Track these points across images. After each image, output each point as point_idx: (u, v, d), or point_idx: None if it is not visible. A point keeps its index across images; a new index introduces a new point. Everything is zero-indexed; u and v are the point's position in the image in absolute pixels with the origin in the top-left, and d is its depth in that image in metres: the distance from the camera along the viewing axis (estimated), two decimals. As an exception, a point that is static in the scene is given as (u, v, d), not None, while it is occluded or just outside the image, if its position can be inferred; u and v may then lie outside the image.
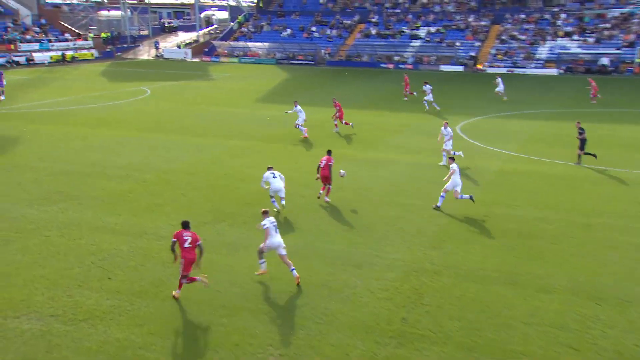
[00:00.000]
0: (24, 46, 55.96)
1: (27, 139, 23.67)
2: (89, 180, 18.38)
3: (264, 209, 12.33)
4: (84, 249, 13.60)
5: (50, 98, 34.51)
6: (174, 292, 11.68)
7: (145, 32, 74.77)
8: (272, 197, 15.94)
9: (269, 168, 16.04)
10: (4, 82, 35.17)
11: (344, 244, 14.12)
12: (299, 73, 51.83)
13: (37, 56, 55.39)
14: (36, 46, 57.34)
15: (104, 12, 77.06)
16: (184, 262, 11.36)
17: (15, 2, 61.65)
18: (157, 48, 67.36)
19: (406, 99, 34.11)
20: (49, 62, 55.89)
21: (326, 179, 16.72)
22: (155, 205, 16.49)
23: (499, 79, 34.68)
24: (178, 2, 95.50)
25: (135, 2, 76.72)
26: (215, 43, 65.84)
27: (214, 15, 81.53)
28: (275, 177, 15.79)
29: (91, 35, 65.10)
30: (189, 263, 11.39)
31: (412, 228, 14.99)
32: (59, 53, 57.62)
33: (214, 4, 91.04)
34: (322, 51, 60.77)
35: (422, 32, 59.02)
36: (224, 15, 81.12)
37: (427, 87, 31.57)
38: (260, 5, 72.50)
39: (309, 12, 67.77)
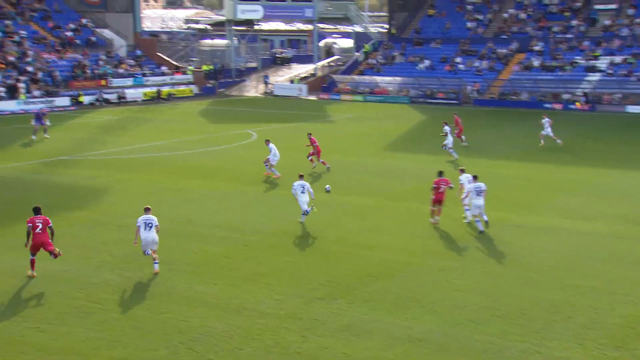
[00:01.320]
0: (116, 81, 61.58)
1: (114, 190, 25.76)
2: (180, 242, 19.45)
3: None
4: (171, 325, 14.21)
5: (141, 142, 37.46)
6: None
7: (254, 64, 79.42)
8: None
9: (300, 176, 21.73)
10: (47, 122, 39.06)
11: (495, 333, 13.65)
12: (437, 114, 51.95)
13: (130, 93, 60.68)
14: (129, 81, 62.96)
15: (207, 41, 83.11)
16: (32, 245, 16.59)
17: (111, 31, 68.81)
18: (266, 83, 71.13)
19: (465, 143, 35.95)
20: (142, 100, 61.15)
21: (440, 203, 21.02)
22: (257, 274, 17.00)
23: (545, 120, 35.39)
24: (293, 28, 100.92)
25: (243, 28, 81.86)
26: (336, 77, 68.20)
27: (335, 43, 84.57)
28: (304, 192, 21.22)
29: (191, 68, 70.27)
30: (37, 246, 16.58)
31: (585, 318, 14.30)
32: (154, 89, 62.81)
33: (335, 30, 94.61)
34: (469, 87, 60.61)
35: (602, 62, 57.02)
36: (348, 43, 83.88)
37: (546, 121, 34.50)
38: (393, 31, 74.05)
39: (452, 40, 68.19)
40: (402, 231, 20.62)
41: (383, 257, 18.17)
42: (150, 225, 17.13)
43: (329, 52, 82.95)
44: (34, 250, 16.69)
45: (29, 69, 56.15)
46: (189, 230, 20.51)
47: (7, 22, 60.94)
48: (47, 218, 16.91)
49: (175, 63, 71.18)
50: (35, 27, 63.96)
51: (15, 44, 58.42)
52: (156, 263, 17.07)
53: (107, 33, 68.25)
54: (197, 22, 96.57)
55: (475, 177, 20.90)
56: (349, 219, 22.00)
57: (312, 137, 30.40)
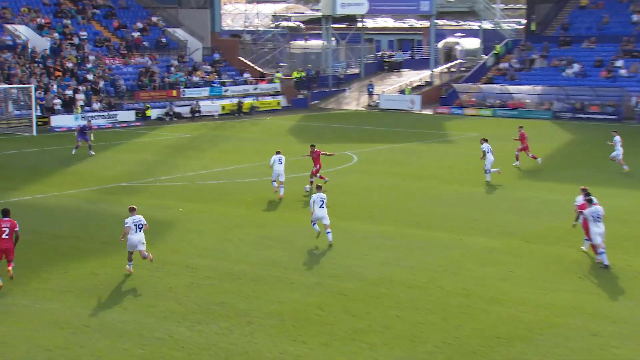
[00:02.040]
0: (189, 91, 63.72)
1: (183, 224, 26.45)
2: (263, 288, 19.70)
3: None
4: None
5: (217, 166, 38.37)
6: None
7: (355, 71, 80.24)
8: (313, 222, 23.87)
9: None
10: (91, 137, 40.83)
11: None
12: (590, 134, 50.56)
13: (205, 106, 62.56)
14: (205, 91, 64.97)
15: (299, 43, 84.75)
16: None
17: (184, 31, 71.46)
18: (370, 94, 71.59)
19: (538, 160, 37.81)
20: (220, 114, 62.91)
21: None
22: (356, 331, 16.97)
23: (617, 138, 36.58)
24: (404, 25, 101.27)
25: (344, 26, 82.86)
26: (458, 87, 67.81)
27: (457, 44, 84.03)
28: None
29: (279, 75, 71.77)
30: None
31: None
32: (234, 101, 64.57)
33: (458, 27, 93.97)
34: (633, 99, 58.75)
35: None
36: (474, 44, 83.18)
37: (617, 139, 36.29)
38: (533, 28, 72.76)
39: (611, 38, 66.51)
40: (540, 282, 20.12)
41: (516, 315, 17.74)
42: (140, 226, 20.68)
43: (449, 55, 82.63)
44: None
45: (89, 76, 58.99)
46: (273, 275, 20.76)
47: (66, 21, 64.38)
48: (15, 222, 19.76)
49: (260, 69, 72.89)
50: (97, 27, 67.28)
51: (74, 47, 61.60)
52: (146, 257, 20.66)
53: (179, 33, 70.82)
54: (287, 19, 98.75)
55: (589, 199, 21.92)
56: (471, 264, 21.71)
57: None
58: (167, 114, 59.59)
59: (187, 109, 61.07)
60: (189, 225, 26.19)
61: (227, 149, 44.35)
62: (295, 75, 73.11)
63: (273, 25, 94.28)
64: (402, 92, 71.35)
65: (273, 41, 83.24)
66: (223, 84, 66.76)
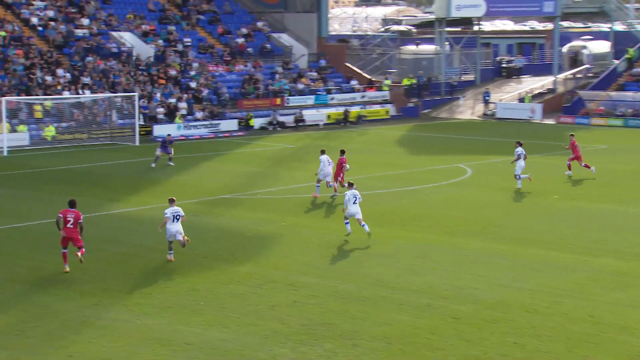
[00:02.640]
0: (294, 100, 64.47)
1: (286, 239, 26.63)
2: (368, 309, 19.60)
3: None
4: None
5: (313, 179, 38.61)
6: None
7: (470, 77, 79.50)
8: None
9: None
10: (172, 150, 41.39)
11: None
12: None
13: (310, 115, 63.09)
14: (310, 100, 65.55)
15: (410, 48, 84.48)
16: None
17: (289, 36, 72.35)
18: (486, 102, 70.66)
19: (592, 170, 37.88)
20: (325, 124, 63.30)
21: None
22: (469, 357, 16.65)
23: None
24: (525, 28, 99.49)
25: (459, 30, 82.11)
26: (584, 94, 66.20)
27: (584, 48, 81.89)
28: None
29: (388, 82, 71.73)
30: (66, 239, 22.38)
31: None
32: (341, 110, 64.91)
33: (586, 30, 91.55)
34: None
35: None
36: (603, 47, 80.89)
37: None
38: (672, 29, 70.35)
39: None
40: None
41: (649, 347, 17.07)
42: (178, 217, 23.62)
43: (574, 59, 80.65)
44: (64, 243, 22.49)
45: (192, 84, 60.44)
46: (380, 295, 20.65)
47: (171, 27, 66.21)
48: (79, 213, 22.58)
49: (368, 76, 73.05)
50: (201, 33, 68.93)
51: (177, 54, 63.28)
52: (185, 244, 23.69)
53: (285, 39, 71.76)
54: (398, 22, 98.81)
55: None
56: (598, 288, 21.07)
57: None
58: (270, 123, 60.36)
59: (291, 118, 61.69)
60: (292, 240, 26.38)
61: (333, 160, 44.44)
62: (405, 82, 72.90)
63: (382, 29, 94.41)
64: (521, 100, 70.09)
65: (382, 46, 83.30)
66: (329, 91, 67.19)
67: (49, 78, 53.92)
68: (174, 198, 24.20)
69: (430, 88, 74.09)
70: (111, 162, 43.60)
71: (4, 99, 47.05)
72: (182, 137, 53.52)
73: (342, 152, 34.64)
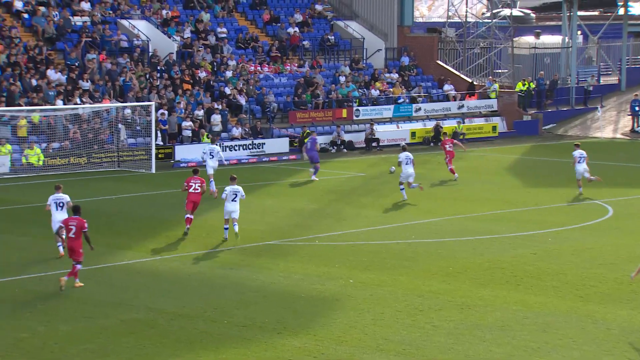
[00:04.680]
0: (366, 111, 64.64)
1: (352, 301, 26.61)
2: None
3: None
4: None
5: (402, 219, 38.62)
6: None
7: (612, 80, 78.75)
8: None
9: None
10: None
11: None
12: None
13: (386, 131, 63.04)
14: (387, 111, 65.59)
15: (527, 39, 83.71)
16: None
17: (360, 24, 72.52)
18: (636, 115, 69.53)
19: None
20: (407, 144, 62.83)
21: None
22: None
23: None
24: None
25: (596, 14, 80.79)
26: None
27: None
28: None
29: (496, 86, 71.58)
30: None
31: None
32: (429, 125, 64.62)
33: None
34: None
35: None
36: None
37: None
38: None
39: None
40: None
41: None
42: (236, 196, 33.42)
43: None
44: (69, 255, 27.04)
45: (227, 90, 61.02)
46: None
47: (202, 14, 67.01)
48: (83, 221, 26.53)
49: (468, 79, 72.86)
50: (241, 21, 69.73)
51: (209, 49, 64.02)
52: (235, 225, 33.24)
53: (354, 28, 72.08)
54: (510, 5, 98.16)
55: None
56: None
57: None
58: (333, 143, 60.49)
59: (362, 135, 61.74)
60: (363, 304, 26.31)
61: (416, 195, 44.42)
62: (520, 87, 72.51)
63: (488, 14, 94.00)
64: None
65: (488, 37, 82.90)
66: (414, 100, 67.20)
67: (36, 82, 54.80)
68: (235, 176, 33.98)
69: (554, 95, 73.60)
70: (118, 195, 44.06)
71: (-23, 110, 47.98)
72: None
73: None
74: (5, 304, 26.06)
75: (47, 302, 26.17)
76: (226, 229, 33.93)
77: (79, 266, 27.04)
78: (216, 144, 47.73)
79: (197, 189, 34.30)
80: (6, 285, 28.06)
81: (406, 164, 41.19)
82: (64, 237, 27.35)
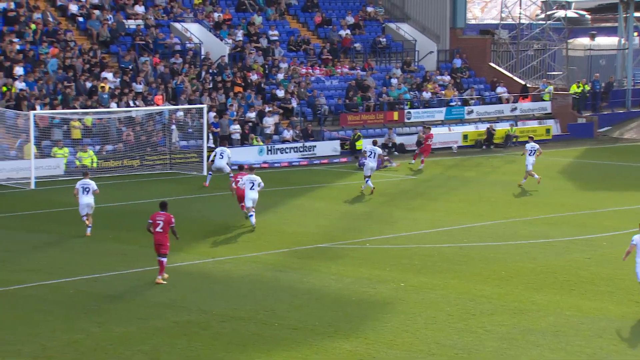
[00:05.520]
0: (417, 113, 64.66)
1: (404, 304, 26.68)
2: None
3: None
4: None
5: (453, 222, 38.60)
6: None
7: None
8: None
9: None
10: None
11: None
12: None
13: (439, 134, 62.68)
14: (439, 113, 65.57)
15: (581, 41, 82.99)
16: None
17: (412, 27, 72.34)
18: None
19: None
20: (459, 146, 63.04)
21: None
22: None
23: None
24: None
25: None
26: None
27: None
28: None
29: (550, 89, 71.19)
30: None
31: None
32: (482, 128, 64.53)
33: None
34: None
35: None
36: None
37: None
38: None
39: None
40: None
41: None
42: (252, 183, 35.83)
43: None
44: (156, 249, 28.36)
45: (279, 93, 61.24)
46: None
47: (254, 17, 67.35)
48: (171, 216, 28.25)
49: (522, 81, 72.55)
50: (292, 23, 69.95)
51: (260, 52, 64.29)
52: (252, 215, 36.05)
53: (406, 30, 72.07)
54: (565, 6, 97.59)
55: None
56: None
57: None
58: (385, 145, 60.45)
59: (414, 138, 61.68)
60: (414, 307, 26.36)
61: (468, 198, 44.34)
62: (574, 89, 72.08)
63: (543, 16, 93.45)
64: None
65: (542, 39, 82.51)
66: (466, 102, 67.07)
67: (90, 85, 55.32)
68: (250, 166, 38.78)
69: (610, 97, 73.03)
70: (170, 197, 44.27)
71: (32, 112, 48.21)
72: (264, 165, 54.22)
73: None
74: (60, 305, 26.35)
75: (101, 304, 26.45)
76: (251, 215, 36.05)
77: (164, 259, 28.38)
78: (227, 147, 48.88)
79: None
80: (61, 287, 28.38)
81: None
82: (152, 230, 28.56)
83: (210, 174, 47.62)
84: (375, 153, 45.44)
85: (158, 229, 28.28)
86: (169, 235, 28.58)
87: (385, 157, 54.62)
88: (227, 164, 46.62)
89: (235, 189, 37.69)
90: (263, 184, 36.41)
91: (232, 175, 42.79)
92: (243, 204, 37.02)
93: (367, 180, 44.77)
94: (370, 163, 45.00)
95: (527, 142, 47.76)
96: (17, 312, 25.62)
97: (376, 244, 34.62)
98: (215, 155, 46.34)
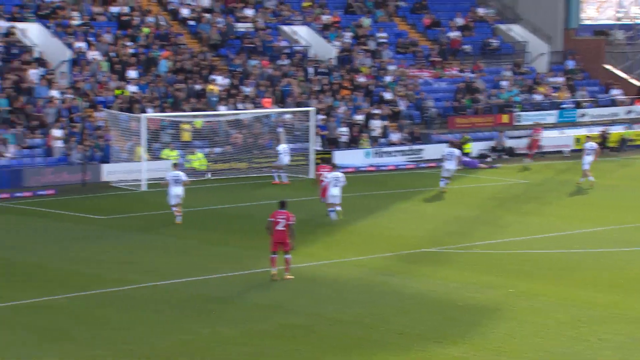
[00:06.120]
0: (528, 116, 64.34)
1: (513, 311, 26.57)
2: None
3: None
4: None
5: (565, 227, 38.43)
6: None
7: None
8: None
9: None
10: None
11: None
12: None
13: (550, 137, 62.44)
14: (551, 116, 65.19)
15: None
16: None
17: (523, 28, 71.96)
18: None
19: None
20: (571, 151, 62.25)
21: None
22: None
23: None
24: None
25: None
26: None
27: None
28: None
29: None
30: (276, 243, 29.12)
31: None
32: (595, 131, 63.64)
33: None
34: None
35: None
36: None
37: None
38: None
39: None
40: None
41: None
42: (337, 180, 38.52)
43: None
44: (274, 247, 29.20)
45: (387, 95, 61.32)
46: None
47: (363, 19, 67.60)
48: (290, 214, 29.02)
49: (638, 83, 71.40)
50: (401, 25, 69.99)
51: (368, 54, 64.48)
52: (333, 212, 38.36)
53: (517, 32, 71.58)
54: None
55: None
56: None
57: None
58: (494, 149, 60.16)
59: (524, 141, 61.22)
60: (523, 314, 26.23)
61: (580, 202, 44.02)
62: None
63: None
64: None
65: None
66: (579, 105, 66.36)
67: (200, 88, 56.09)
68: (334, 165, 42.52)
69: None
70: (276, 200, 44.56)
71: (143, 115, 49.17)
72: (371, 168, 54.35)
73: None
74: (171, 306, 26.84)
75: (210, 305, 26.84)
76: (331, 211, 38.61)
77: (289, 257, 29.46)
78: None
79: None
80: (171, 288, 28.90)
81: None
82: (273, 229, 29.35)
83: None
84: (453, 155, 46.17)
85: (279, 227, 29.11)
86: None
87: (488, 160, 54.60)
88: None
89: (319, 182, 40.58)
90: (346, 182, 39.26)
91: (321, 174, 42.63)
92: (325, 199, 39.61)
93: (442, 181, 46.10)
94: (447, 164, 45.74)
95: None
96: (131, 312, 26.23)
97: (484, 249, 34.54)
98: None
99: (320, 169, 42.36)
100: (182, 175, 38.28)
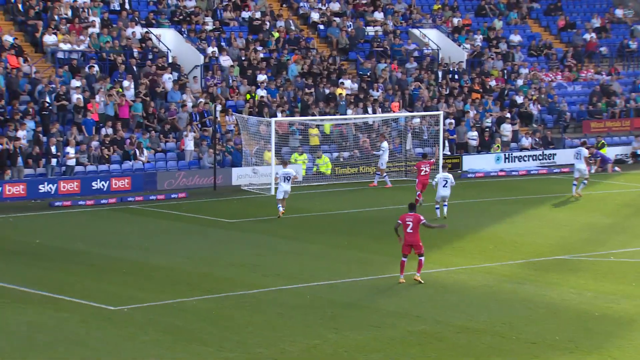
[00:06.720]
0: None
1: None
2: None
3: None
4: None
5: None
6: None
7: None
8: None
9: None
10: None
11: None
12: None
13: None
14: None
15: None
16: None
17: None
18: None
19: None
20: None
21: None
22: None
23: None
24: None
25: None
26: None
27: None
28: None
29: None
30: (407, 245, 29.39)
31: None
32: None
33: None
34: None
35: None
36: None
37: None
38: None
39: None
40: None
41: None
42: (445, 181, 39.77)
43: None
44: (406, 250, 29.35)
45: (519, 99, 60.73)
46: None
47: (495, 22, 67.20)
48: (419, 216, 29.27)
49: None
50: (534, 27, 69.36)
51: (500, 57, 64.01)
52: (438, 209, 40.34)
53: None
54: None
55: None
56: None
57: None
58: (632, 154, 59.23)
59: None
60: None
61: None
62: None
63: None
64: None
65: None
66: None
67: (329, 92, 56.33)
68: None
69: None
70: (403, 205, 44.52)
71: (273, 119, 49.64)
72: (501, 173, 53.98)
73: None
74: (298, 311, 27.12)
75: (336, 310, 27.02)
76: (437, 208, 40.41)
77: (422, 259, 29.62)
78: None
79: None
80: (299, 292, 29.19)
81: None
82: (403, 233, 29.54)
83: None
84: (581, 154, 45.94)
85: (408, 230, 29.24)
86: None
87: (609, 162, 53.90)
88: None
89: (418, 172, 42.96)
90: (454, 182, 40.63)
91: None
92: (420, 192, 42.46)
93: (574, 185, 45.96)
94: (577, 164, 45.67)
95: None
96: (260, 315, 26.54)
97: (621, 257, 34.05)
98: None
99: (422, 165, 43.44)
100: (291, 172, 41.28)
